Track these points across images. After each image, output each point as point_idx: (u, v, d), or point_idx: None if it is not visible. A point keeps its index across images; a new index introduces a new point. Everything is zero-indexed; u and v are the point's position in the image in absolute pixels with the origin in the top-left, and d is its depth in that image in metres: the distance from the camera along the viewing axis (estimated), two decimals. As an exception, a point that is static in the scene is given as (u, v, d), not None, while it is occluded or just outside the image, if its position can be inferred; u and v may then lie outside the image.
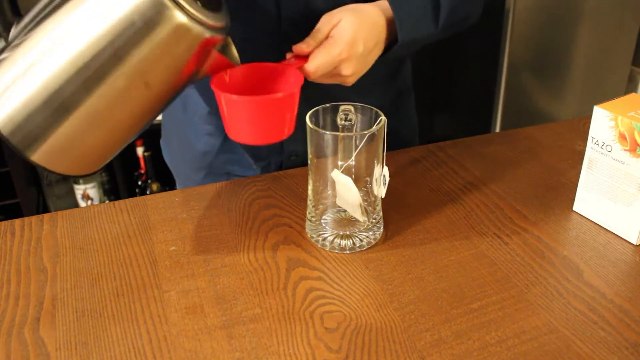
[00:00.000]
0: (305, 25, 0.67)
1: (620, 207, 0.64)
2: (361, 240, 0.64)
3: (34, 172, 2.08)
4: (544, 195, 0.73)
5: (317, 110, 0.62)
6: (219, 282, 0.60)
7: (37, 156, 0.55)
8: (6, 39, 0.56)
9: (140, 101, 0.56)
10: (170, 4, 0.51)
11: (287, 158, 0.85)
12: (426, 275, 0.60)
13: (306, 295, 0.57)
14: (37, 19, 0.54)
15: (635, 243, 0.64)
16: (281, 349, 0.52)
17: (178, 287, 0.59)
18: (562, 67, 1.95)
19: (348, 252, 0.63)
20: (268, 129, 0.60)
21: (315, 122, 0.61)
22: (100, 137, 0.56)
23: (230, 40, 0.61)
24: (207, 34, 0.54)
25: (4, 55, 0.55)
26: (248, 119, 0.59)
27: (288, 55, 0.65)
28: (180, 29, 0.52)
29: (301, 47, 0.63)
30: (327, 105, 0.63)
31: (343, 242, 0.63)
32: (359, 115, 0.63)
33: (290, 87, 0.61)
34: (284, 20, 0.72)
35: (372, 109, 0.62)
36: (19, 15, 0.56)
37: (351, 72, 0.65)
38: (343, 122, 0.63)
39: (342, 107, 0.63)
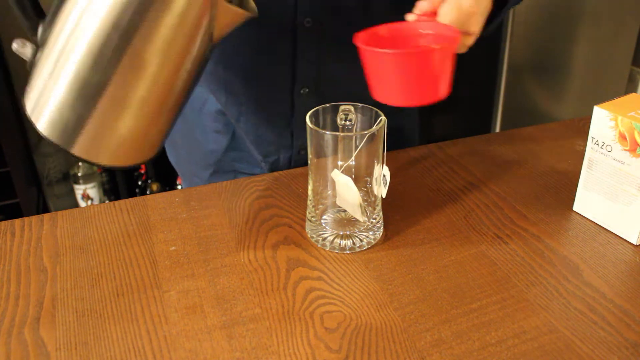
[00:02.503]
0: (320, 16, 0.65)
1: (620, 207, 0.64)
2: (361, 240, 0.64)
3: (34, 172, 2.08)
4: (544, 195, 0.73)
5: (317, 110, 0.62)
6: (219, 282, 0.60)
7: (79, 150, 0.56)
8: (36, 42, 0.56)
9: (160, 74, 0.55)
10: None
11: (297, 153, 0.85)
12: (426, 275, 0.60)
13: (306, 295, 0.57)
14: (55, 16, 0.54)
15: (635, 243, 0.64)
16: (281, 349, 0.52)
17: (178, 287, 0.59)
18: (562, 67, 1.95)
19: (348, 252, 0.63)
20: (424, 87, 0.56)
21: (315, 122, 0.61)
22: (132, 120, 0.56)
23: None
24: None
25: (36, 59, 0.56)
26: (404, 76, 0.55)
27: (410, 17, 0.61)
28: None
29: (424, 5, 0.60)
30: (327, 105, 0.63)
31: (343, 242, 0.63)
32: (359, 115, 0.63)
33: (442, 42, 0.57)
34: (300, 11, 0.72)
35: (372, 109, 0.62)
36: (42, 15, 0.57)
37: (477, 29, 0.61)
38: (343, 122, 0.63)
39: (342, 107, 0.63)
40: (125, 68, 0.53)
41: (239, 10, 0.56)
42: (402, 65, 0.55)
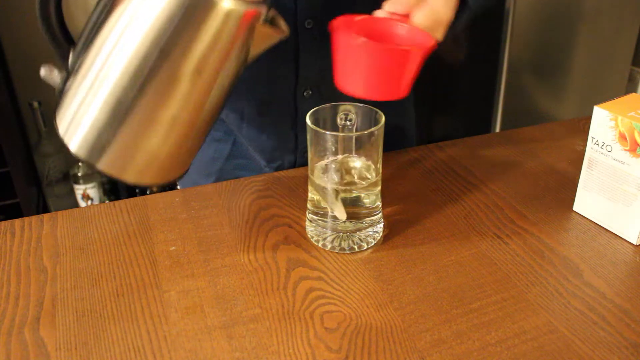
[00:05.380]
0: (321, 17, 0.65)
1: (620, 207, 0.64)
2: (361, 240, 0.64)
3: (34, 172, 2.08)
4: (544, 195, 0.73)
5: (317, 110, 0.62)
6: (219, 282, 0.60)
7: (108, 167, 0.57)
8: (67, 68, 0.58)
9: (193, 92, 0.56)
10: None
11: (301, 155, 0.84)
12: (426, 275, 0.60)
13: (306, 295, 0.57)
14: (88, 41, 0.56)
15: (635, 243, 0.64)
16: (281, 349, 0.52)
17: (178, 287, 0.59)
18: (562, 67, 1.95)
19: (348, 252, 0.63)
20: (389, 83, 0.57)
21: (315, 122, 0.61)
22: (162, 139, 0.57)
23: (275, 11, 0.61)
24: (236, 5, 0.53)
25: (68, 84, 0.57)
26: (373, 69, 0.56)
27: (379, 13, 0.61)
28: (210, 5, 0.52)
29: (399, 7, 0.60)
30: (327, 105, 0.63)
31: (343, 242, 0.63)
32: (359, 116, 0.63)
33: (417, 44, 0.58)
34: (300, 12, 0.71)
35: (372, 109, 0.62)
36: (72, 42, 0.58)
37: (441, 38, 0.61)
38: (343, 122, 0.63)
39: (342, 107, 0.63)
40: (161, 85, 0.54)
41: (274, 32, 0.58)
42: (377, 58, 0.56)
